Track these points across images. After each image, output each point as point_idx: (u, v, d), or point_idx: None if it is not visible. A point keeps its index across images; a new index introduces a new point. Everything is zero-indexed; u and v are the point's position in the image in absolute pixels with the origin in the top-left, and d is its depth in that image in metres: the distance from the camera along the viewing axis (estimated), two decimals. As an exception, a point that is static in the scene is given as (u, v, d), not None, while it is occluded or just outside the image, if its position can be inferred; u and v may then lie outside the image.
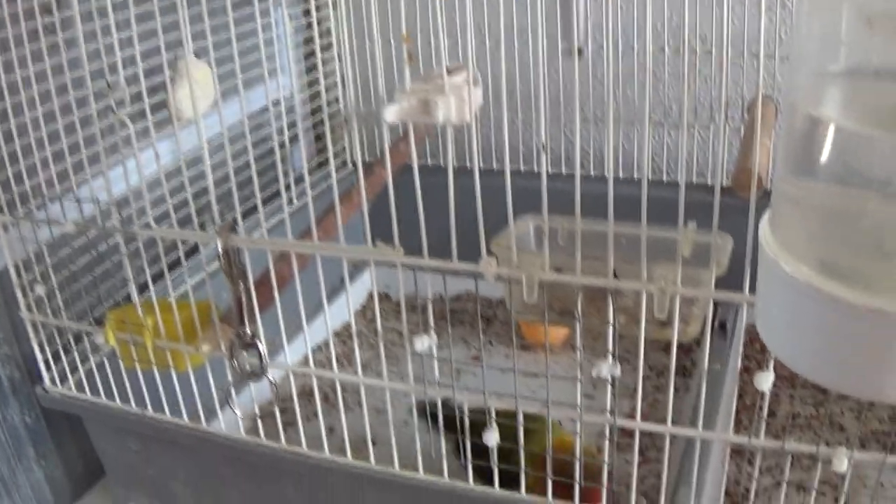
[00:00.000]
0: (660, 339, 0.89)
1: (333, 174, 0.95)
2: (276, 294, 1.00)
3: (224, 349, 1.01)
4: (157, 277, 1.10)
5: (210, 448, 1.09)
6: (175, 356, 1.05)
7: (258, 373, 1.00)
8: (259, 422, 1.06)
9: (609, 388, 0.89)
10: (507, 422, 0.94)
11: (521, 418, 0.92)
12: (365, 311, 1.69)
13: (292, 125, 1.58)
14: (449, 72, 0.85)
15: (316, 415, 1.02)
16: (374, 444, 1.06)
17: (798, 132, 0.66)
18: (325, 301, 0.98)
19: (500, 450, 0.95)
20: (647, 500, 1.20)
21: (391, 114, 0.84)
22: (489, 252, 0.89)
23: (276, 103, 1.47)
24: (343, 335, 1.60)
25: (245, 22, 1.21)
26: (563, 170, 1.61)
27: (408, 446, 1.00)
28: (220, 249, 0.96)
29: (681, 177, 0.80)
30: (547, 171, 0.82)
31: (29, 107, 1.07)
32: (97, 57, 1.02)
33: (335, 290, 1.46)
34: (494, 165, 1.60)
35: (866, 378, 0.66)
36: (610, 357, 0.87)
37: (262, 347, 0.99)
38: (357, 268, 1.67)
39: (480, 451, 0.96)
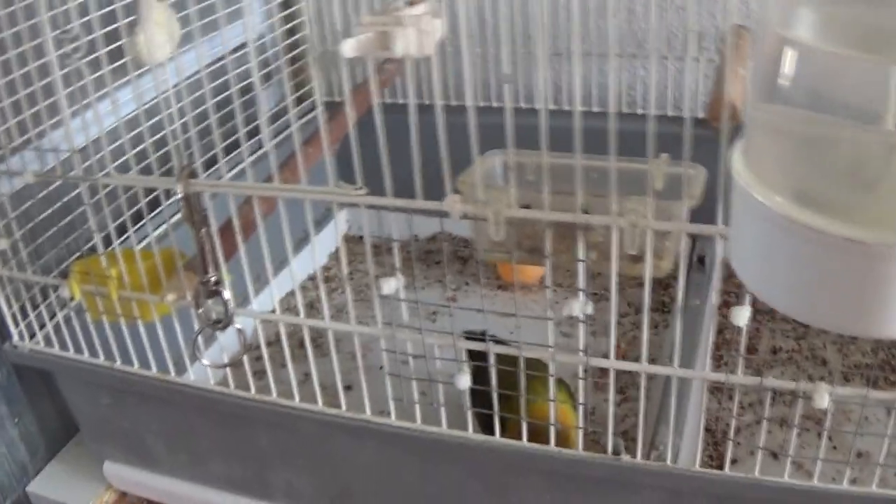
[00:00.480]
0: (632, 274, 0.84)
1: (292, 118, 0.90)
2: (239, 240, 0.95)
3: (189, 298, 0.96)
4: (122, 229, 1.05)
5: (180, 399, 1.05)
6: (141, 306, 1.01)
7: (225, 321, 0.96)
8: (228, 371, 1.02)
9: (581, 326, 0.85)
10: (509, 368, 0.90)
11: (492, 355, 0.88)
12: (339, 255, 1.64)
13: (264, 66, 1.52)
14: (409, 3, 0.80)
15: (290, 361, 0.97)
16: (349, 389, 1.03)
17: (769, 55, 0.62)
18: (289, 248, 0.94)
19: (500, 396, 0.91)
20: (627, 440, 1.17)
21: (348, 48, 0.79)
22: (455, 190, 0.84)
23: (239, 48, 1.41)
24: (317, 279, 1.55)
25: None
26: (523, 104, 1.55)
27: (383, 392, 0.96)
28: (180, 195, 0.91)
29: (650, 106, 0.75)
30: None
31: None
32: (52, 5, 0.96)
33: (307, 234, 1.42)
34: (454, 102, 1.53)
35: (843, 311, 0.63)
36: (581, 295, 0.83)
37: (227, 294, 0.95)
38: (330, 210, 1.62)
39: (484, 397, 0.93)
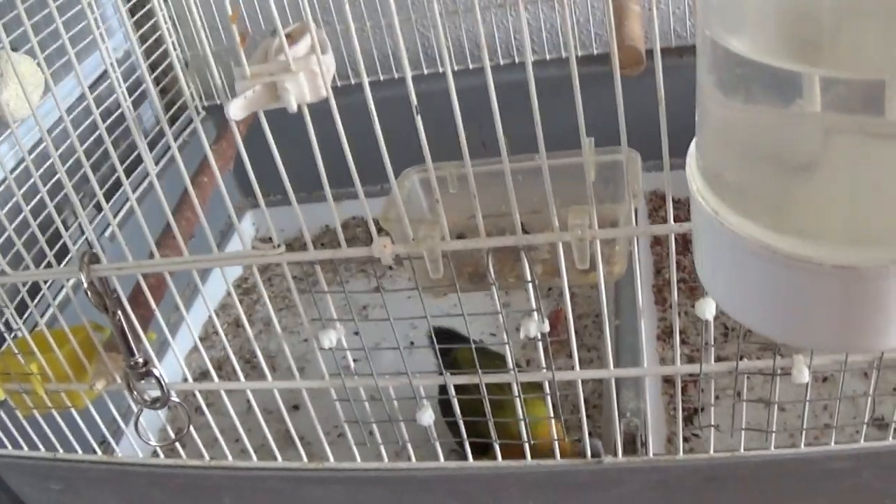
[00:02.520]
0: (584, 283, 0.75)
1: (171, 139, 0.76)
2: (154, 307, 0.83)
3: (120, 381, 0.84)
4: (20, 309, 0.92)
5: (131, 478, 0.93)
6: (71, 395, 0.88)
7: (163, 398, 0.84)
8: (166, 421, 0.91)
9: (540, 345, 0.75)
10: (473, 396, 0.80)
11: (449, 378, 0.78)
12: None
13: (136, 87, 1.37)
14: (289, 38, 0.68)
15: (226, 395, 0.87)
16: (296, 409, 0.94)
17: (719, 63, 0.52)
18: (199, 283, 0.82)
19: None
20: (590, 406, 1.09)
21: (237, 110, 0.67)
22: (380, 231, 0.73)
23: (103, 78, 1.26)
24: (239, 291, 1.43)
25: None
26: (425, 70, 1.42)
27: (332, 408, 0.84)
28: (84, 284, 0.78)
29: (578, 107, 0.64)
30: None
31: None
32: None
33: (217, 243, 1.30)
34: (352, 80, 1.39)
35: (831, 332, 0.54)
36: (535, 315, 0.73)
37: (159, 372, 0.83)
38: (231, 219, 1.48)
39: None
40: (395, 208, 0.73)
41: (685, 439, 1.00)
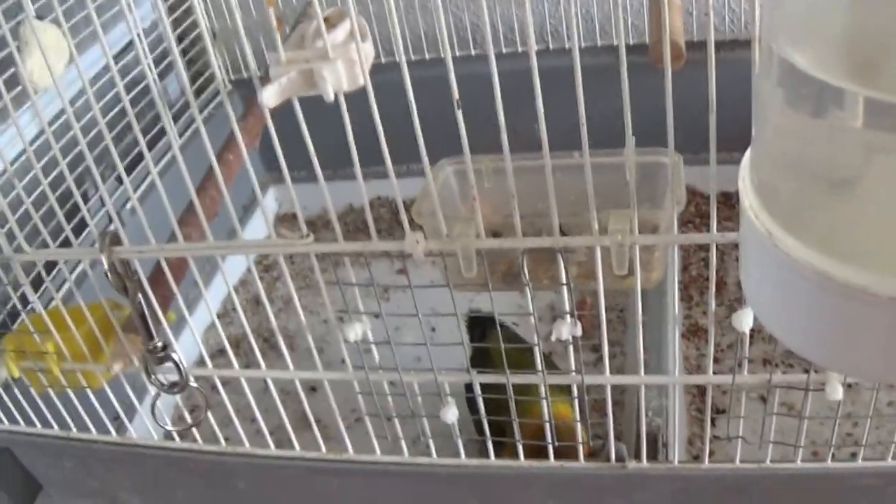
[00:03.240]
0: (620, 289, 0.72)
1: (198, 116, 0.73)
2: (175, 289, 0.81)
3: (138, 364, 0.83)
4: (35, 283, 0.89)
5: (146, 459, 0.91)
6: (87, 375, 0.87)
7: (181, 383, 0.82)
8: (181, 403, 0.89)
9: (570, 348, 0.73)
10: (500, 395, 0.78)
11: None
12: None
13: (162, 58, 1.33)
14: (326, 22, 0.65)
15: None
16: (314, 391, 0.98)
17: (784, 76, 0.49)
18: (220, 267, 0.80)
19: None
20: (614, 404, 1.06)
21: (270, 96, 0.64)
22: (412, 225, 0.71)
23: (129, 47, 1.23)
24: (259, 268, 1.41)
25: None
26: (457, 52, 1.39)
27: (350, 391, 0.82)
28: (105, 266, 0.76)
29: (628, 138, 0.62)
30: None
31: None
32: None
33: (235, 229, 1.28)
34: (382, 59, 1.35)
35: (835, 352, 0.51)
36: (568, 318, 0.71)
37: (178, 357, 0.81)
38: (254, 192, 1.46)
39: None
40: (430, 202, 0.70)
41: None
